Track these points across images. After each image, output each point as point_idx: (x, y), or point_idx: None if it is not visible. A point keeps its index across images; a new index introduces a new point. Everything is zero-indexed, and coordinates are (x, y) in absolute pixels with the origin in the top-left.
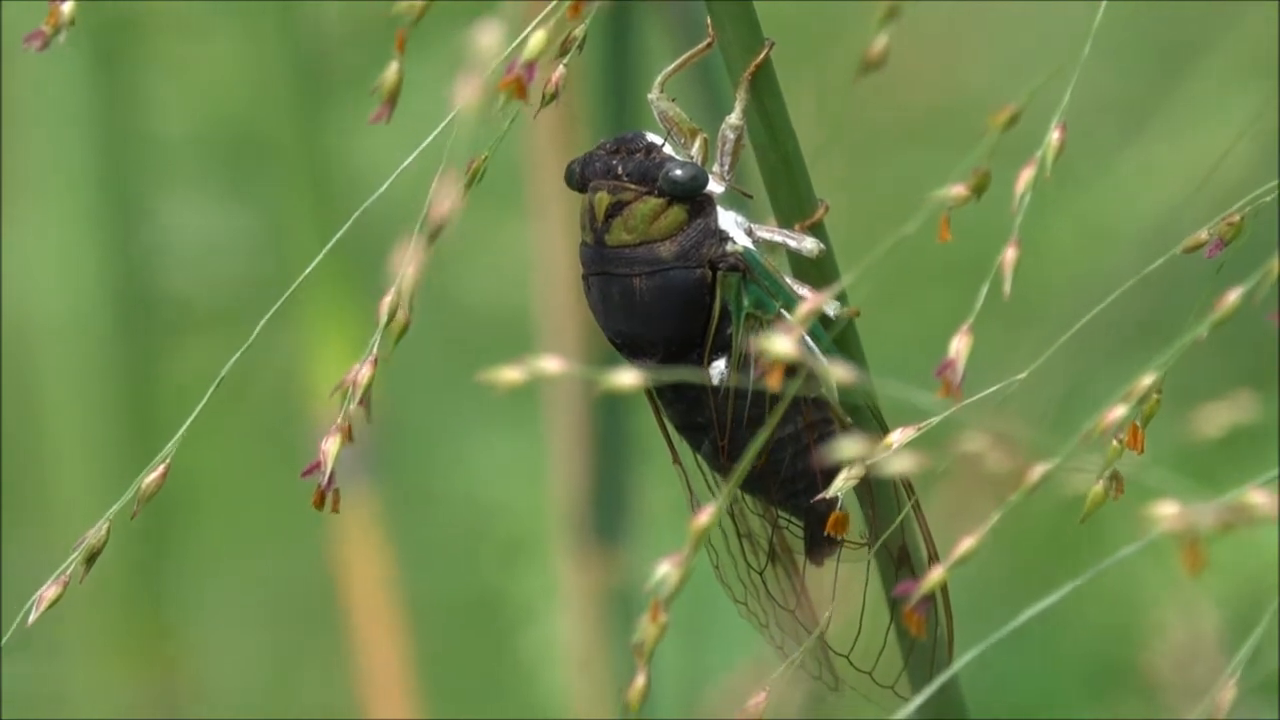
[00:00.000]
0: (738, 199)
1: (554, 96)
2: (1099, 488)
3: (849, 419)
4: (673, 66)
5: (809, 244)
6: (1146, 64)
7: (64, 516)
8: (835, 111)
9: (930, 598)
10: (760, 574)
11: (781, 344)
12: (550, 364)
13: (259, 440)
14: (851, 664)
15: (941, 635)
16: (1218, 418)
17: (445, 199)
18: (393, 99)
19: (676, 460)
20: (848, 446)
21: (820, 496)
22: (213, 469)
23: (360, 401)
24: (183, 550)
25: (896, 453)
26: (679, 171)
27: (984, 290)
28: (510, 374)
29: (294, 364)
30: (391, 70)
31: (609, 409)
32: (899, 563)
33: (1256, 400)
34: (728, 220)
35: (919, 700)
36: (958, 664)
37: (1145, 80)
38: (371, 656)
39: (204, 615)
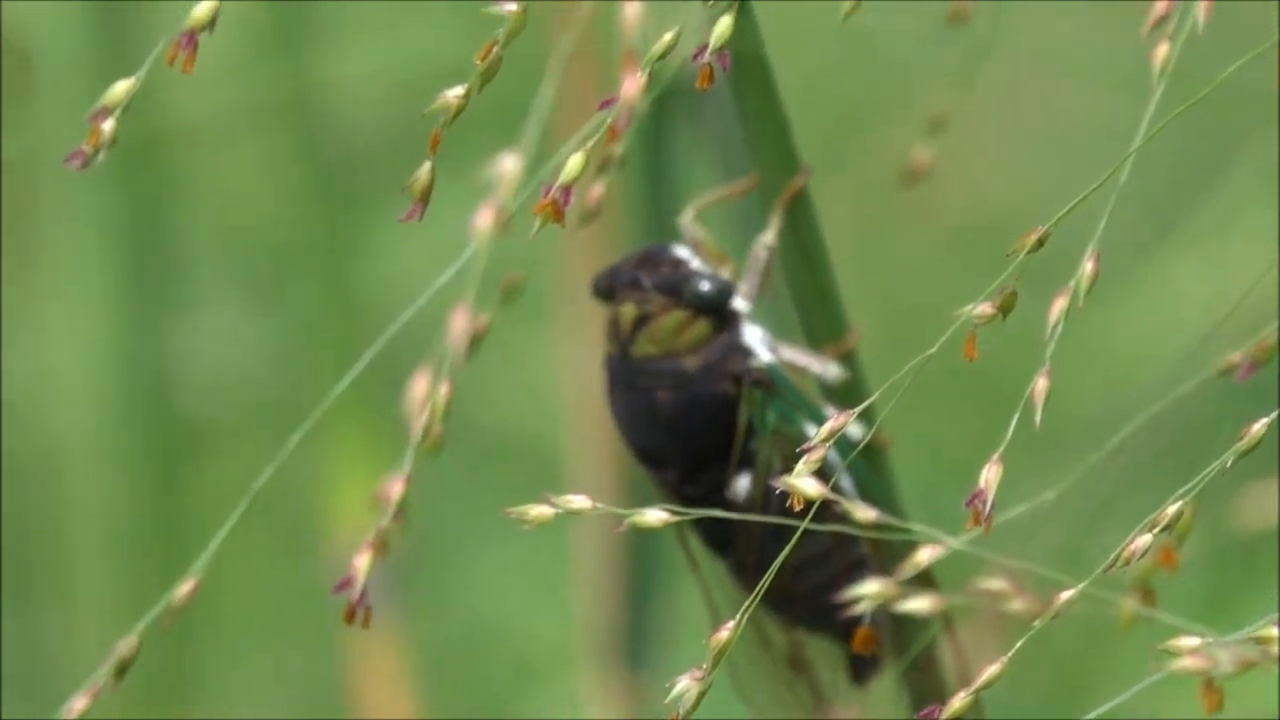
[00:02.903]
0: (765, 320)
1: (593, 217)
2: (1132, 602)
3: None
4: (710, 198)
5: (833, 369)
6: (1170, 167)
7: (88, 628)
8: (870, 228)
9: None
10: (783, 684)
11: (807, 484)
12: (579, 500)
13: (280, 555)
14: None
15: None
16: (1261, 509)
17: (462, 324)
18: (425, 198)
19: (697, 574)
20: (868, 585)
21: (846, 615)
22: (235, 581)
23: (395, 518)
24: (205, 661)
25: (918, 593)
26: (705, 285)
27: (1014, 420)
28: (539, 510)
29: (316, 480)
30: (424, 169)
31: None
32: (928, 678)
33: None
34: (753, 336)
35: None
36: None
37: (1169, 184)
38: None
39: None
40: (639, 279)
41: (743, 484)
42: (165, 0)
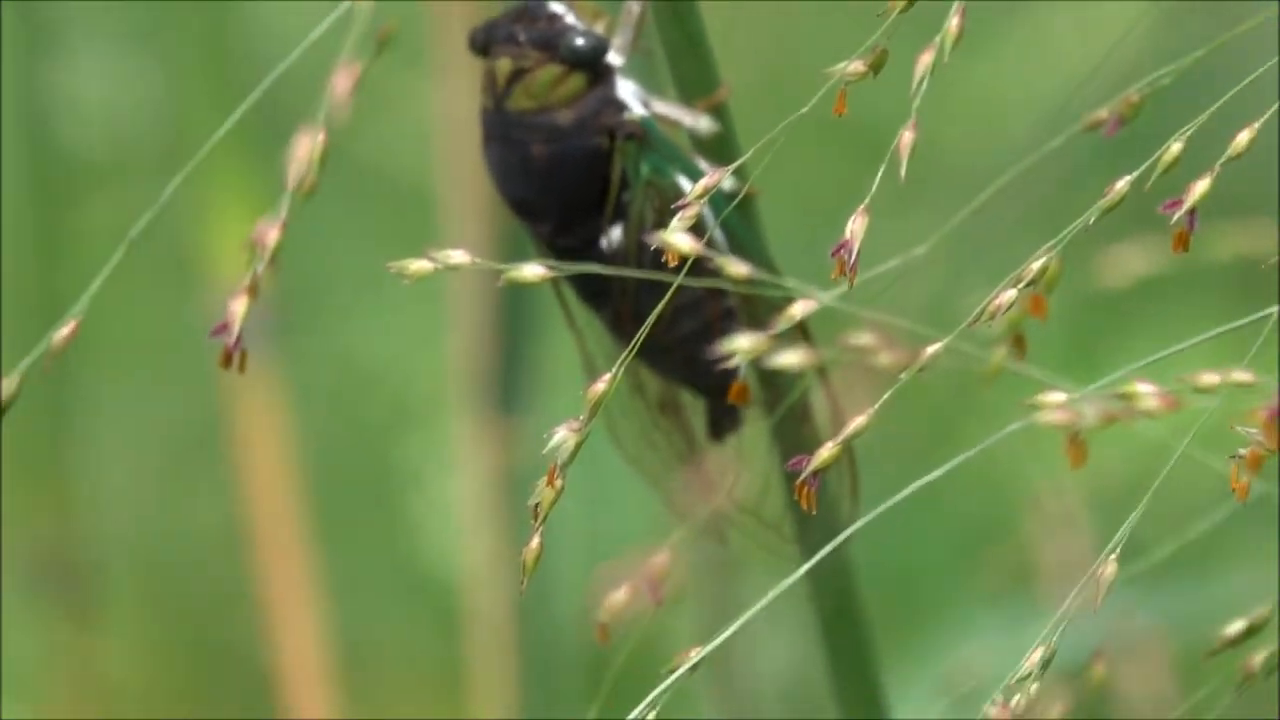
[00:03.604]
0: (639, 74)
1: None
2: (1000, 354)
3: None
4: None
5: (704, 123)
6: None
7: None
8: None
9: (820, 472)
10: (656, 429)
11: (681, 240)
12: (458, 255)
13: (160, 299)
14: (753, 519)
15: (843, 495)
16: (1125, 266)
17: (345, 80)
18: None
19: (572, 324)
20: (740, 339)
21: (721, 367)
22: (116, 324)
23: (269, 263)
24: (85, 401)
25: (786, 347)
26: (580, 40)
27: (880, 171)
28: (418, 265)
29: (197, 224)
30: None
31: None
32: (802, 428)
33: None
34: (626, 91)
35: (815, 559)
36: (848, 531)
37: None
38: (263, 499)
39: (102, 463)
40: (515, 33)
41: (616, 235)
42: None
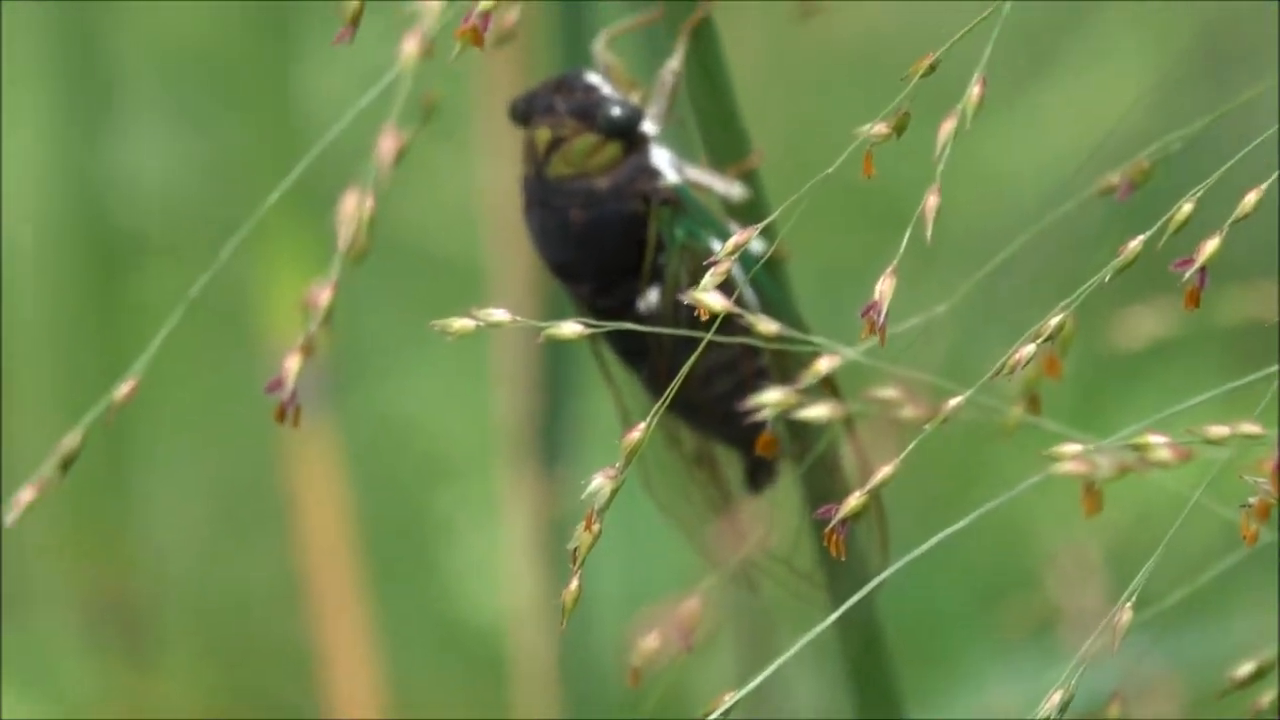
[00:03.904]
0: (673, 142)
1: (508, 39)
2: (1018, 409)
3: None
4: (620, 27)
5: (735, 189)
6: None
7: (27, 428)
8: (771, 56)
9: (849, 520)
10: (691, 481)
11: (713, 298)
12: (499, 313)
13: (219, 360)
14: (785, 567)
15: (873, 548)
16: (1137, 325)
17: (389, 143)
18: (355, 21)
19: (610, 382)
20: (770, 393)
21: (751, 421)
22: (176, 384)
23: (323, 322)
24: (140, 458)
25: (815, 401)
26: (616, 110)
27: (906, 235)
28: (461, 323)
29: (252, 289)
30: None
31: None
32: (831, 478)
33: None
34: (661, 158)
35: (845, 607)
36: (878, 579)
37: (1046, 11)
38: (315, 550)
39: (160, 517)
40: (554, 104)
41: (653, 296)
42: None
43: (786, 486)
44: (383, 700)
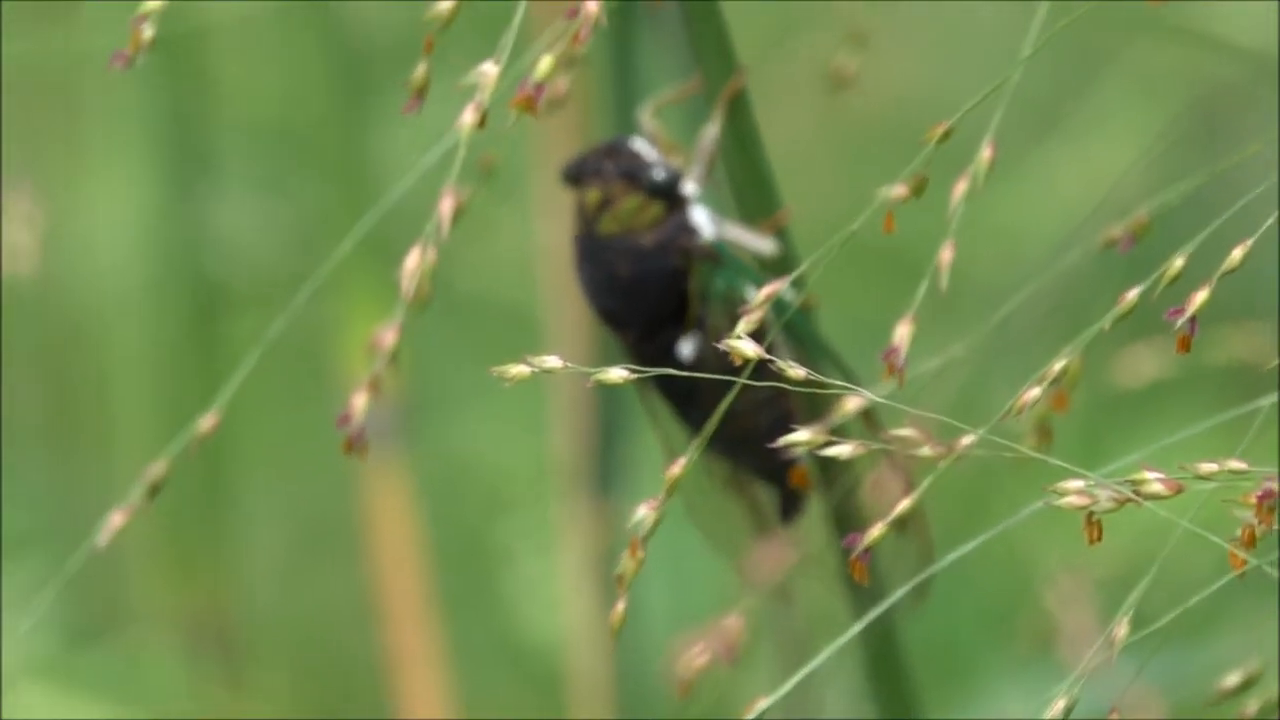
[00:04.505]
0: (712, 202)
1: (560, 106)
2: (1028, 445)
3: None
4: (663, 97)
5: (768, 246)
6: (1055, 65)
7: (132, 462)
8: (800, 123)
9: (871, 550)
10: (726, 506)
11: (747, 346)
12: (552, 360)
13: (300, 400)
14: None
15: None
16: (1135, 367)
17: (450, 202)
18: (421, 94)
19: (656, 421)
20: (799, 433)
21: (781, 458)
22: (260, 422)
23: (388, 363)
24: (232, 488)
25: (841, 440)
26: (659, 173)
27: (924, 285)
28: (518, 369)
29: (327, 334)
30: (420, 69)
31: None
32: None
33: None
34: (701, 216)
35: (867, 619)
36: (887, 602)
37: (1052, 80)
38: (389, 576)
39: (249, 542)
40: (603, 167)
41: (693, 344)
42: None
43: (815, 513)
44: (450, 711)
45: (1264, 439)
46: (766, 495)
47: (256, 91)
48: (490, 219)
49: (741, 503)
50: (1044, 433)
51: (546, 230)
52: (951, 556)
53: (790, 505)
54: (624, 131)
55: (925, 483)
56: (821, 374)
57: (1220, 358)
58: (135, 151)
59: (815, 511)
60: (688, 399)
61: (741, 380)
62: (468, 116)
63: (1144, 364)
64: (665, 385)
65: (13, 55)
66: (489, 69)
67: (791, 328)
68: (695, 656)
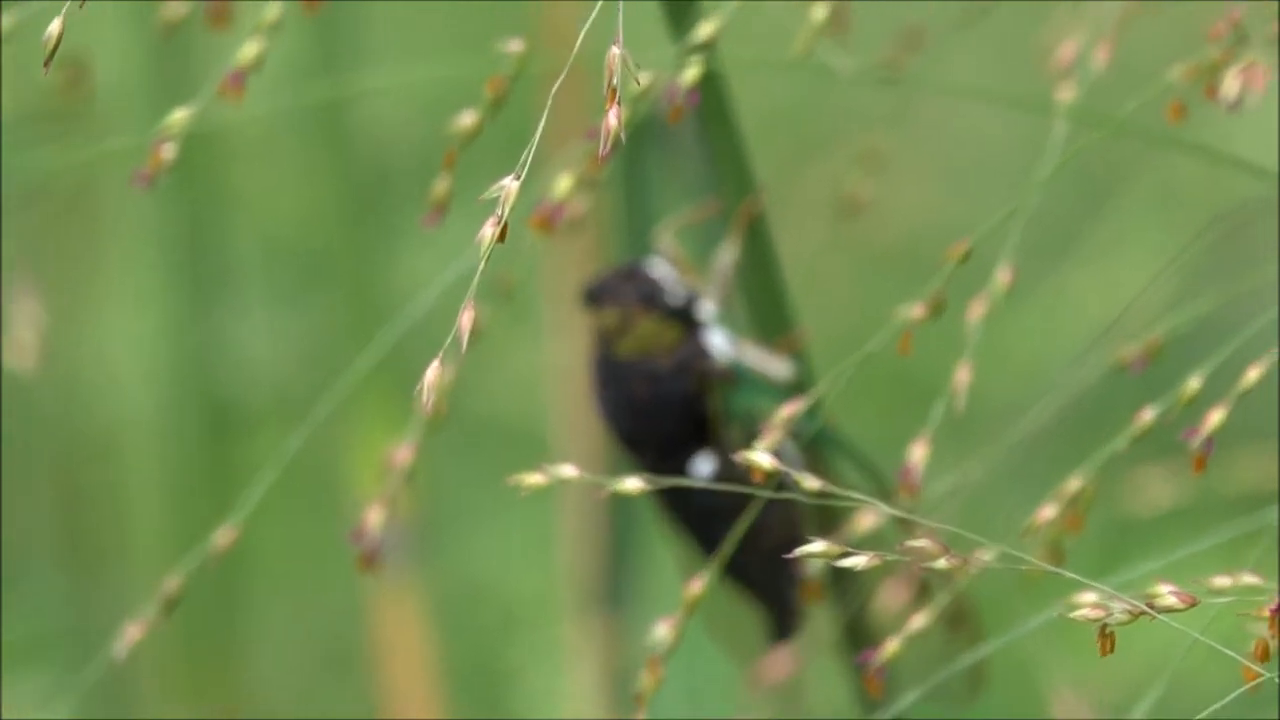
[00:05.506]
0: (728, 322)
1: (578, 229)
2: (1043, 562)
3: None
4: (680, 219)
5: (783, 369)
6: (1071, 182)
7: (148, 577)
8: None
9: (885, 667)
10: (740, 617)
11: (764, 459)
12: (567, 470)
13: (315, 518)
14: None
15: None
16: (1151, 488)
17: (469, 318)
18: (442, 207)
19: (672, 541)
20: (815, 545)
21: (789, 574)
22: (275, 539)
23: (403, 480)
24: (248, 603)
25: (858, 552)
26: (676, 296)
27: (943, 406)
28: (534, 478)
29: (342, 454)
30: (442, 183)
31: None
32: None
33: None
34: (718, 338)
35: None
36: (903, 702)
37: (1069, 197)
38: (401, 692)
39: (264, 657)
40: (621, 290)
41: (712, 463)
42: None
43: (826, 624)
44: None
45: (1273, 555)
46: (764, 615)
47: (273, 206)
48: (502, 341)
49: (749, 613)
50: (1057, 551)
51: (557, 350)
52: (963, 662)
53: (786, 624)
54: (636, 252)
55: (941, 597)
56: (845, 483)
57: (1229, 479)
58: (151, 264)
59: (821, 624)
60: (705, 521)
61: (763, 494)
62: (488, 229)
63: (1157, 488)
64: (681, 506)
65: (31, 164)
66: (510, 183)
67: (814, 441)
68: None
